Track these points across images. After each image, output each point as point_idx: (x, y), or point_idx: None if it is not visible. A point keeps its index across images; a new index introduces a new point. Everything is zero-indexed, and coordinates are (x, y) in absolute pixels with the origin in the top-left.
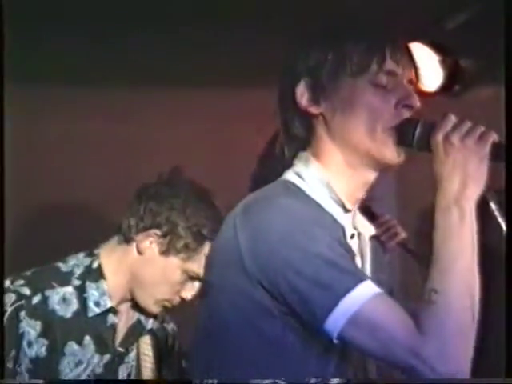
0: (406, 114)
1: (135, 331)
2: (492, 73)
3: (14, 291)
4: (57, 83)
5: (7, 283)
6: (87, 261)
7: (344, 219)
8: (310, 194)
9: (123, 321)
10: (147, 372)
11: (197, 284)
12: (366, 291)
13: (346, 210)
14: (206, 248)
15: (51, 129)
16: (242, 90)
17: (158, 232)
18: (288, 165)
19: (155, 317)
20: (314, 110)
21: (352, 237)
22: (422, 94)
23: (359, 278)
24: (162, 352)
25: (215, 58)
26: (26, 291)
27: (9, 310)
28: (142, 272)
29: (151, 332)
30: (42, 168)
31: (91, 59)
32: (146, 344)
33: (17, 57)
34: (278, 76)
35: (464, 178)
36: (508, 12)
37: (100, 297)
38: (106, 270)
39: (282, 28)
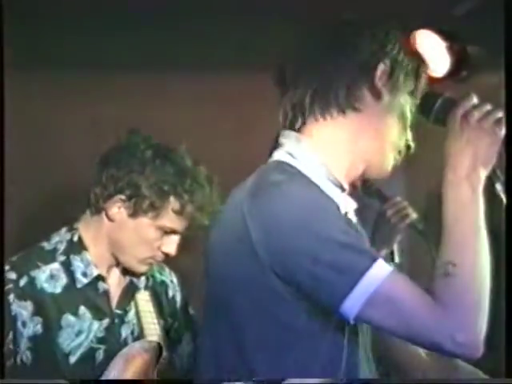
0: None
1: (129, 292)
2: (498, 59)
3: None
4: (65, 69)
5: None
6: (68, 235)
7: (339, 198)
8: (306, 174)
9: (115, 285)
10: (150, 327)
11: (175, 237)
12: (381, 270)
13: (343, 190)
14: (173, 202)
15: (59, 116)
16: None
17: (123, 196)
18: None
19: (144, 275)
20: (381, 93)
21: (346, 215)
22: (430, 80)
23: (373, 257)
24: (163, 305)
25: (222, 44)
26: (12, 275)
27: None
28: (118, 237)
29: (148, 288)
30: (49, 155)
31: (99, 45)
32: (144, 301)
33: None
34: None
35: (474, 157)
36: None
37: (86, 267)
38: (87, 241)
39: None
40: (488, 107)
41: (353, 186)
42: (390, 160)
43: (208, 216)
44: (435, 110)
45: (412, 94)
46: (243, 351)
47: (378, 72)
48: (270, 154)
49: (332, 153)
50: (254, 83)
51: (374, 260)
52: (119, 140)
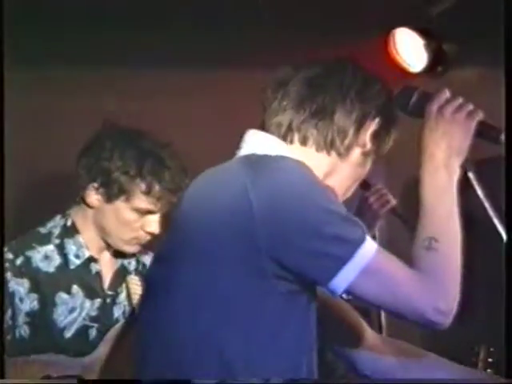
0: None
1: (120, 274)
2: (471, 55)
3: None
4: (70, 62)
5: None
6: (62, 221)
7: None
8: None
9: (107, 268)
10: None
11: (154, 217)
12: (372, 244)
13: None
14: (140, 184)
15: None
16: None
17: (95, 184)
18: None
19: (135, 256)
20: (367, 146)
21: None
22: (409, 75)
23: (364, 232)
24: None
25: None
26: (9, 255)
27: None
28: (102, 222)
29: (138, 273)
30: (55, 145)
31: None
32: (135, 284)
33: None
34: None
35: (449, 147)
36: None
37: (78, 249)
38: (79, 226)
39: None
40: (460, 101)
41: None
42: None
43: (175, 197)
44: (412, 104)
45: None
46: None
47: (371, 128)
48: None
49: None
50: (235, 79)
51: (366, 236)
52: (94, 133)
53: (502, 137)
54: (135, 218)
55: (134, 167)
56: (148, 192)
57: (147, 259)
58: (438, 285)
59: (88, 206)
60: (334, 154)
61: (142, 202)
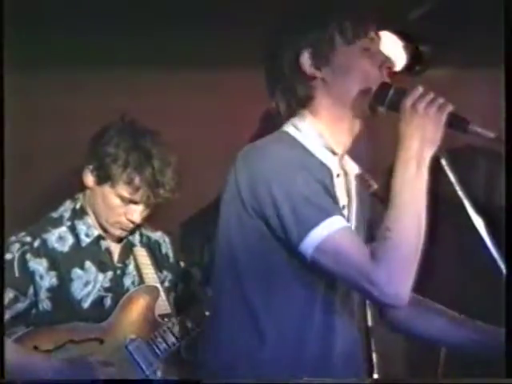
0: (387, 75)
1: (127, 248)
2: (445, 56)
3: (18, 241)
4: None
5: (13, 238)
6: (72, 205)
7: (332, 162)
8: (302, 142)
9: (115, 243)
10: (149, 276)
11: (136, 207)
12: (332, 224)
13: (334, 154)
14: (123, 174)
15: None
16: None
17: (91, 166)
18: (286, 120)
19: (139, 230)
20: (317, 74)
21: (338, 176)
22: (389, 74)
23: (328, 213)
24: (158, 259)
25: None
26: (27, 239)
27: (16, 255)
28: (94, 202)
29: (144, 244)
30: (64, 141)
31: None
32: (142, 256)
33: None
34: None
35: (423, 139)
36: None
37: (87, 229)
38: (87, 208)
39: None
40: (431, 95)
41: None
42: None
43: (157, 191)
44: (388, 99)
45: None
46: (238, 278)
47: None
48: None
49: (329, 126)
50: (238, 78)
51: (329, 215)
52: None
53: (471, 126)
54: (119, 204)
55: (122, 158)
56: (129, 183)
57: (150, 232)
58: (385, 271)
59: (85, 186)
60: None
61: (125, 190)
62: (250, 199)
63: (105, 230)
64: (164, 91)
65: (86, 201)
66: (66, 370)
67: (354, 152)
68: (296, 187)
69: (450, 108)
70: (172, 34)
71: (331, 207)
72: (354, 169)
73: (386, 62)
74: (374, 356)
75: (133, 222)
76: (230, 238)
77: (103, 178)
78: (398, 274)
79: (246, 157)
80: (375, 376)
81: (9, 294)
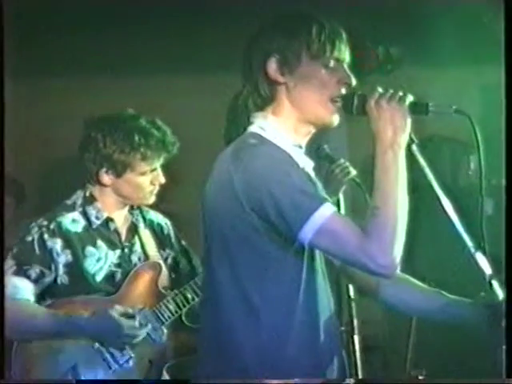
0: (344, 88)
1: (131, 229)
2: (411, 57)
3: (36, 225)
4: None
5: (32, 224)
6: (82, 193)
7: (299, 157)
8: (272, 140)
9: (121, 225)
10: (153, 253)
11: (157, 172)
12: (327, 210)
13: (300, 148)
14: (136, 154)
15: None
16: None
17: (104, 169)
18: (249, 122)
19: (141, 214)
20: (280, 79)
21: (303, 169)
22: (362, 73)
23: (322, 200)
24: (162, 239)
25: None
26: (44, 222)
27: (35, 237)
28: (121, 192)
29: (148, 226)
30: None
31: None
32: (146, 236)
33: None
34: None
35: (394, 129)
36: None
37: (97, 212)
38: (96, 196)
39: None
40: (391, 91)
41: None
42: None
43: (169, 147)
44: (355, 107)
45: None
46: (234, 271)
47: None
48: (244, 130)
49: (290, 122)
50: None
51: (322, 203)
52: (82, 131)
53: (430, 107)
54: (144, 179)
55: (126, 145)
56: (144, 158)
57: (153, 215)
58: (377, 244)
59: (104, 185)
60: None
61: (144, 165)
62: (247, 198)
63: (139, 206)
64: (164, 93)
65: (97, 188)
66: (93, 324)
67: (333, 144)
68: (291, 181)
69: (410, 98)
70: (173, 39)
71: (322, 195)
72: (309, 163)
73: (344, 79)
74: (355, 321)
75: (160, 184)
76: (222, 232)
77: (121, 170)
78: (389, 245)
79: (239, 158)
80: (356, 337)
81: (35, 270)
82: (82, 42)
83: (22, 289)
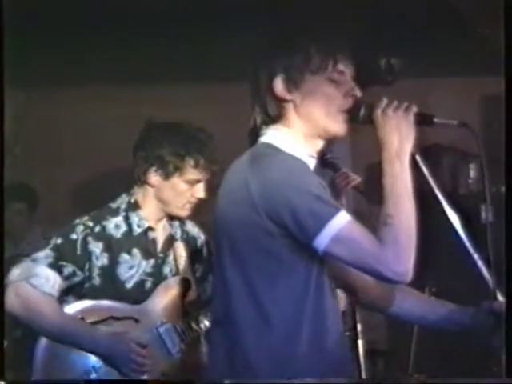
0: (351, 100)
1: (169, 241)
2: (412, 69)
3: (82, 224)
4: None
5: (77, 221)
6: (127, 198)
7: (312, 166)
8: (286, 150)
9: (160, 235)
10: (183, 267)
11: (201, 185)
12: (342, 218)
13: (313, 157)
14: (189, 160)
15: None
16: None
17: (154, 168)
18: (259, 134)
19: (181, 227)
20: (287, 97)
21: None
22: (365, 84)
23: (337, 208)
24: (194, 252)
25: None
26: (90, 223)
27: (80, 237)
28: (161, 196)
29: (183, 239)
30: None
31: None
32: (180, 249)
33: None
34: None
35: (399, 137)
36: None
37: (139, 221)
38: (140, 203)
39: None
40: (396, 102)
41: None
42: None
43: (217, 165)
44: (361, 116)
45: None
46: (245, 275)
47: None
48: (254, 142)
49: (300, 135)
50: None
51: (338, 210)
52: (141, 131)
53: (436, 120)
54: (187, 188)
55: (182, 149)
56: (196, 165)
57: (190, 228)
58: (393, 252)
59: (150, 185)
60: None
61: (193, 174)
62: (263, 204)
63: (174, 215)
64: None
65: (143, 196)
66: (106, 343)
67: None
68: (308, 188)
69: (414, 108)
70: (181, 48)
71: (337, 203)
72: (321, 172)
73: (351, 91)
74: (359, 325)
75: (200, 198)
76: (235, 236)
77: (171, 172)
78: (404, 253)
79: (256, 165)
80: (359, 342)
81: (69, 269)
82: (91, 49)
83: (53, 283)
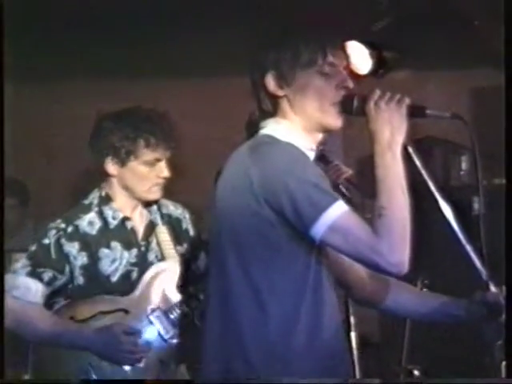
0: (344, 92)
1: (149, 227)
2: (405, 61)
3: (54, 227)
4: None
5: (50, 225)
6: (98, 193)
7: (312, 157)
8: (286, 141)
9: (139, 223)
10: (169, 251)
11: (162, 164)
12: (340, 207)
13: (312, 150)
14: (140, 141)
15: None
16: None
17: (109, 157)
18: (258, 127)
19: (159, 211)
20: (279, 93)
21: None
22: (357, 76)
23: (335, 197)
24: (179, 233)
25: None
26: (62, 225)
27: (52, 240)
28: (125, 183)
29: (165, 222)
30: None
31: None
32: (162, 233)
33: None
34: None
35: (391, 129)
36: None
37: (113, 213)
38: (111, 195)
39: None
40: (389, 94)
41: None
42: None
43: (174, 141)
44: (354, 108)
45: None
46: (244, 263)
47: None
48: (251, 135)
49: (297, 130)
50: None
51: (335, 200)
52: (94, 124)
53: (428, 111)
54: (148, 170)
55: (131, 132)
56: (147, 145)
57: (172, 210)
58: (387, 243)
59: (111, 176)
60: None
61: (148, 154)
62: (262, 191)
63: (144, 200)
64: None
65: (112, 188)
66: (95, 339)
67: (328, 145)
68: (307, 177)
69: (407, 100)
70: (177, 43)
71: (335, 193)
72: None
73: (343, 83)
74: (352, 318)
75: (165, 178)
76: (233, 223)
77: (124, 157)
78: (399, 243)
79: (256, 152)
80: (352, 334)
81: (48, 274)
82: (88, 45)
83: (34, 291)
